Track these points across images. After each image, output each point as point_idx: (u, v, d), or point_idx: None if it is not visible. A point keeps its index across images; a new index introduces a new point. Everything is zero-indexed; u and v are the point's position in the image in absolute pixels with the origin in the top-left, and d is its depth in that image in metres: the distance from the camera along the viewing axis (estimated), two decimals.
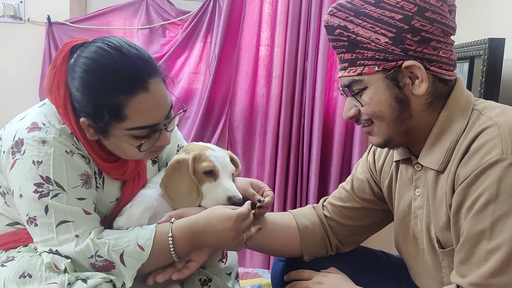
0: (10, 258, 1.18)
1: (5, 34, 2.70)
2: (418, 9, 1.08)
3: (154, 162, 1.49)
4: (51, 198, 1.14)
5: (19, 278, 1.12)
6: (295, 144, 2.61)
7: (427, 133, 1.15)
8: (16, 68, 2.72)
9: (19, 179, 1.16)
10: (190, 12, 2.66)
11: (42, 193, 1.14)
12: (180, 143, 1.54)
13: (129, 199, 1.32)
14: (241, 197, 1.30)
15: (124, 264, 1.14)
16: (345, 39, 1.13)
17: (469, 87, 1.80)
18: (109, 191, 1.30)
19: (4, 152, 1.18)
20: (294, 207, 2.61)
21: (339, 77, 1.18)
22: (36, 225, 1.15)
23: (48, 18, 2.62)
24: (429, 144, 1.14)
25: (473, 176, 1.00)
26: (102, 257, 1.13)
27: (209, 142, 2.49)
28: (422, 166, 1.18)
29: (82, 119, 1.18)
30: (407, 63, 1.09)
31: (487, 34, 1.70)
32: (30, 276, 1.12)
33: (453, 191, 1.07)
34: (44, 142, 1.15)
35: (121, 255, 1.14)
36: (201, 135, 2.66)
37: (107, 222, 1.28)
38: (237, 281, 1.50)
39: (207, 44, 2.67)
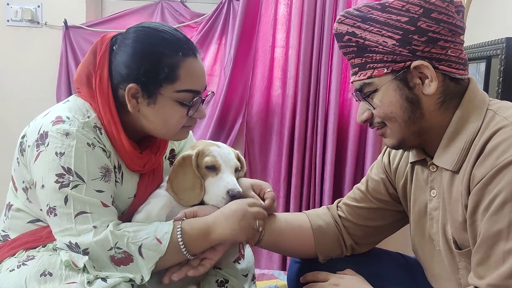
0: (31, 257, 1.20)
1: (23, 38, 2.75)
2: (423, 10, 1.10)
3: (171, 163, 1.50)
4: (71, 189, 1.16)
5: (40, 276, 1.13)
6: (310, 145, 2.60)
7: (441, 133, 1.15)
8: (34, 71, 2.76)
9: (42, 170, 1.18)
10: (204, 14, 2.67)
11: (63, 183, 1.16)
12: None
13: (144, 194, 1.34)
14: (241, 190, 1.30)
15: (142, 256, 1.15)
16: (354, 44, 1.15)
17: (486, 87, 1.78)
18: (127, 187, 1.32)
19: (29, 146, 1.21)
20: (309, 208, 2.60)
21: (351, 82, 1.20)
22: (55, 215, 1.17)
23: (65, 22, 2.66)
24: (444, 145, 1.14)
25: (488, 177, 1.00)
26: (121, 248, 1.14)
27: (225, 142, 2.50)
28: (437, 167, 1.18)
29: (130, 85, 1.23)
30: (415, 63, 1.10)
31: (505, 33, 1.69)
32: (50, 274, 1.14)
33: (469, 192, 1.06)
34: (67, 134, 1.18)
35: (140, 247, 1.15)
36: (217, 136, 2.66)
37: (125, 218, 1.29)
38: (254, 283, 1.51)
39: (222, 46, 2.68)
